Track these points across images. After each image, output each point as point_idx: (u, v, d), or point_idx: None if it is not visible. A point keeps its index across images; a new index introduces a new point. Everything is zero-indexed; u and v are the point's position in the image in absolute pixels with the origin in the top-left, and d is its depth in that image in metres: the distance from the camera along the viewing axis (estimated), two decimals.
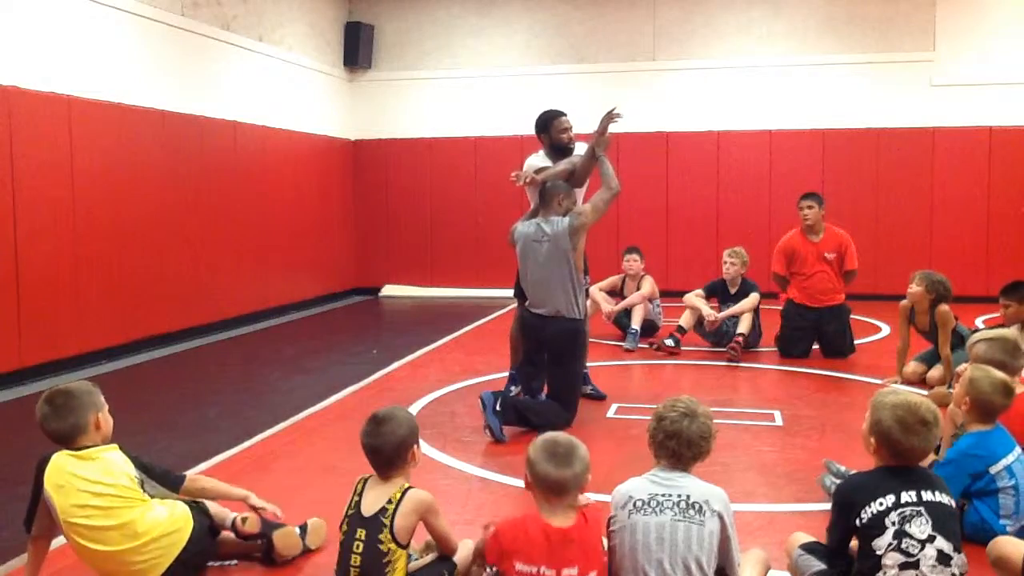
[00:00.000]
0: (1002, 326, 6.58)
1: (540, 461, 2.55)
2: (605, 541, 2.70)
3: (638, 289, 8.04)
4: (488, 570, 2.63)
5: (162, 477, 3.08)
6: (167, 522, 2.96)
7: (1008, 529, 3.20)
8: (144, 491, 2.98)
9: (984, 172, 10.77)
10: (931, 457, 3.52)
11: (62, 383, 3.07)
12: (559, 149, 5.51)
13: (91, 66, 7.59)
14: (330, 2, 12.08)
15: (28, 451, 5.05)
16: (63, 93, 7.17)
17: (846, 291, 7.32)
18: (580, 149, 5.51)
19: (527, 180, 5.32)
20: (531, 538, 2.50)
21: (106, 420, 3.04)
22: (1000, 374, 3.36)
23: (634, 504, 2.60)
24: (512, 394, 5.31)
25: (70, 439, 2.96)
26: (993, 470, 3.25)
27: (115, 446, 3.00)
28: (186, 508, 3.05)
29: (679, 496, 2.58)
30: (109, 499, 2.89)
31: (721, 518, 2.58)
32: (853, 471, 3.80)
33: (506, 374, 5.86)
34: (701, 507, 2.56)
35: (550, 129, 5.53)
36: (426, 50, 12.48)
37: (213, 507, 3.22)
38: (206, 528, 3.09)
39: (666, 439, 2.66)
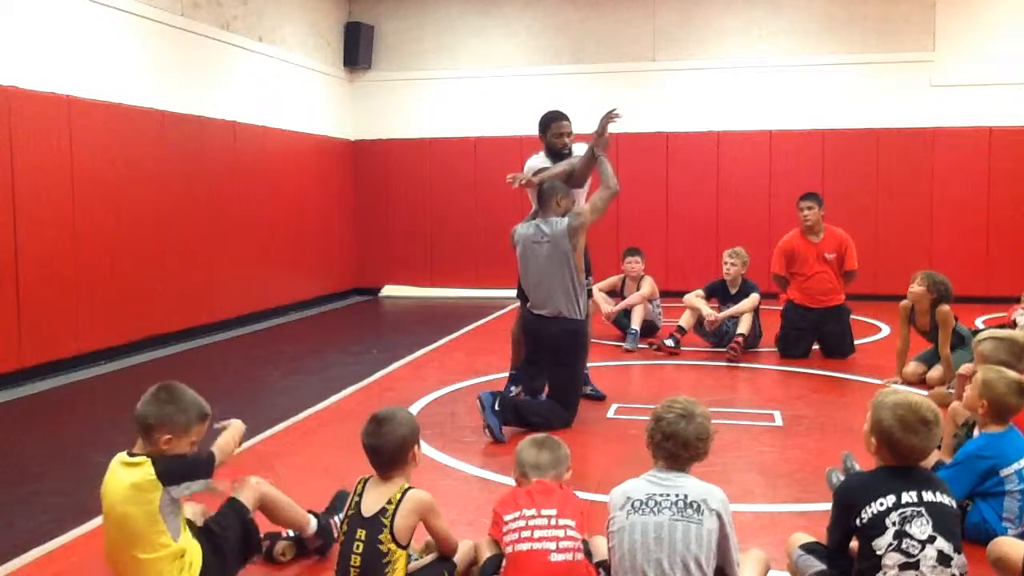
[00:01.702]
0: (1003, 326, 6.60)
1: (524, 449, 2.95)
2: (604, 541, 2.72)
3: (638, 290, 8.04)
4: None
5: (198, 469, 2.81)
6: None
7: (1009, 532, 3.18)
8: (169, 534, 2.74)
9: (984, 172, 10.76)
10: (935, 455, 3.52)
11: (182, 385, 2.88)
12: (553, 152, 5.52)
13: (91, 66, 7.59)
14: (330, 2, 12.08)
15: (28, 451, 5.07)
16: (63, 93, 7.17)
17: (846, 291, 7.32)
18: (579, 150, 5.51)
19: (524, 182, 5.32)
20: (515, 495, 2.83)
21: (175, 447, 2.78)
22: (1013, 374, 3.35)
23: (632, 504, 2.60)
24: (512, 394, 5.31)
25: (140, 432, 2.80)
26: (1003, 473, 3.22)
27: (148, 461, 2.73)
28: (196, 552, 2.82)
29: (677, 496, 2.59)
30: (127, 532, 2.74)
31: (719, 517, 2.58)
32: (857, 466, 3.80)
33: (506, 374, 5.87)
34: (699, 506, 2.56)
35: (547, 131, 5.55)
36: (426, 50, 12.48)
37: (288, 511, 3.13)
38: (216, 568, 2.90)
39: (663, 440, 2.66)
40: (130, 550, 2.73)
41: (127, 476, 2.75)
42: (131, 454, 2.80)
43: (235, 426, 3.06)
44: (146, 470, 2.72)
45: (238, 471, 3.16)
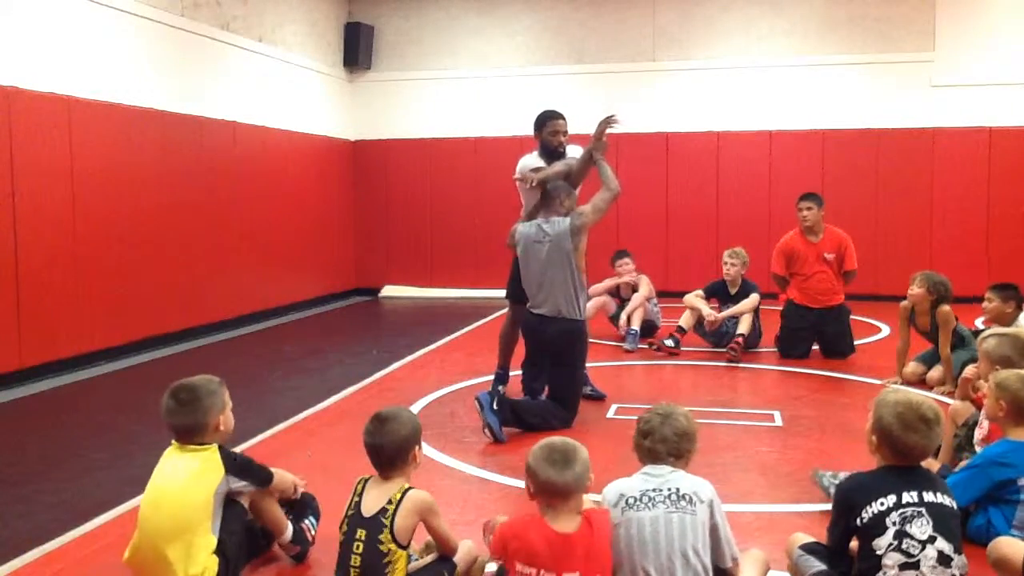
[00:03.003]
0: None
1: (541, 468, 2.55)
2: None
3: (634, 291, 8.04)
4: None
5: (256, 477, 3.03)
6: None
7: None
8: (212, 523, 2.85)
9: (984, 172, 10.76)
10: (934, 464, 3.51)
11: (187, 378, 3.01)
12: (548, 151, 5.52)
13: (91, 66, 7.59)
14: (330, 2, 12.08)
15: (28, 451, 5.07)
16: (63, 93, 7.17)
17: (846, 291, 7.32)
18: (575, 152, 5.51)
19: (533, 183, 5.30)
20: (533, 542, 2.51)
21: (227, 421, 3.02)
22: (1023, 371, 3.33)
23: (626, 501, 2.63)
24: (501, 393, 5.31)
25: (190, 434, 2.93)
26: (1021, 483, 3.14)
27: (215, 447, 2.94)
28: (213, 565, 2.87)
29: (669, 489, 2.63)
30: (181, 515, 2.80)
31: (711, 506, 2.63)
32: (843, 473, 3.80)
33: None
34: (691, 498, 2.62)
35: (543, 129, 5.55)
36: (426, 50, 12.48)
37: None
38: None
39: (642, 438, 2.77)
40: (176, 534, 2.78)
41: (193, 458, 2.89)
42: (184, 445, 2.93)
43: (292, 477, 3.30)
44: (212, 454, 2.91)
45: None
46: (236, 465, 2.95)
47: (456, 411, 5.50)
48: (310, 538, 3.27)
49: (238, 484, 2.95)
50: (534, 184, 5.32)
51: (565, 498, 2.54)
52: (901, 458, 2.64)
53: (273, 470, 3.16)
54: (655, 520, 2.57)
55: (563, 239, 5.01)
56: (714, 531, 2.63)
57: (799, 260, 7.24)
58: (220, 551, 2.88)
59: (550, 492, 2.55)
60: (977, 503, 3.24)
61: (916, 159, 10.93)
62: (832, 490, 3.71)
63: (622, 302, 8.18)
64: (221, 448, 2.95)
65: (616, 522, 2.62)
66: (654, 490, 2.63)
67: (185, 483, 2.85)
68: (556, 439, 2.65)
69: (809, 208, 7.16)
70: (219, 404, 2.99)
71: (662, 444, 2.71)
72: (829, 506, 2.79)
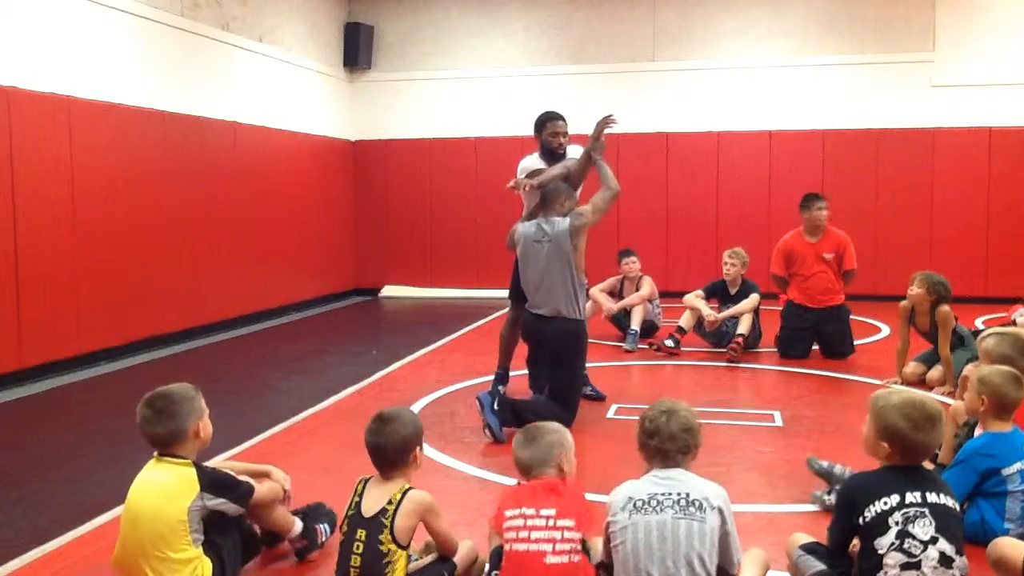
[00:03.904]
0: (1003, 326, 6.59)
1: (514, 446, 2.92)
2: (599, 541, 2.74)
3: (637, 290, 8.04)
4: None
5: (234, 494, 2.92)
6: None
7: (1011, 533, 3.16)
8: (191, 537, 2.79)
9: (984, 172, 10.76)
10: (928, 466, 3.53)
11: (163, 386, 2.94)
12: (548, 152, 5.52)
13: (91, 66, 7.59)
14: (330, 2, 12.08)
15: (28, 451, 5.07)
16: (63, 93, 7.17)
17: (845, 291, 7.32)
18: (575, 152, 5.51)
19: (526, 188, 5.31)
20: (519, 492, 2.82)
21: (206, 427, 2.94)
22: (1007, 367, 3.36)
23: (634, 505, 2.61)
24: (501, 393, 5.32)
25: (168, 444, 2.87)
26: (1005, 472, 3.22)
27: (190, 462, 2.86)
28: (207, 567, 2.84)
29: (679, 494, 2.60)
30: (154, 529, 2.76)
31: (721, 513, 2.59)
32: (837, 466, 3.83)
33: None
34: (701, 504, 2.58)
35: (543, 130, 5.56)
36: (426, 50, 12.48)
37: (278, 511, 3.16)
38: None
39: (648, 438, 2.72)
40: (151, 550, 2.75)
41: (168, 473, 2.82)
42: (163, 456, 2.86)
43: (280, 482, 3.21)
44: (188, 470, 2.83)
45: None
46: (212, 483, 2.85)
47: (456, 411, 5.50)
48: (320, 541, 3.27)
49: (214, 501, 2.84)
50: (526, 189, 5.32)
51: (533, 470, 2.83)
52: (908, 457, 2.64)
53: (266, 468, 3.10)
54: (662, 525, 2.55)
55: (562, 239, 5.00)
56: (725, 538, 2.60)
57: (798, 260, 7.24)
58: (214, 552, 2.87)
59: (520, 467, 2.88)
60: (968, 499, 3.28)
61: (916, 159, 10.93)
62: (830, 502, 3.73)
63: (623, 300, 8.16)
64: (198, 465, 2.86)
65: (623, 525, 2.60)
66: (663, 494, 2.60)
67: (157, 500, 2.78)
68: (533, 424, 2.97)
69: (821, 208, 7.14)
70: (196, 410, 2.91)
71: (671, 442, 2.67)
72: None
